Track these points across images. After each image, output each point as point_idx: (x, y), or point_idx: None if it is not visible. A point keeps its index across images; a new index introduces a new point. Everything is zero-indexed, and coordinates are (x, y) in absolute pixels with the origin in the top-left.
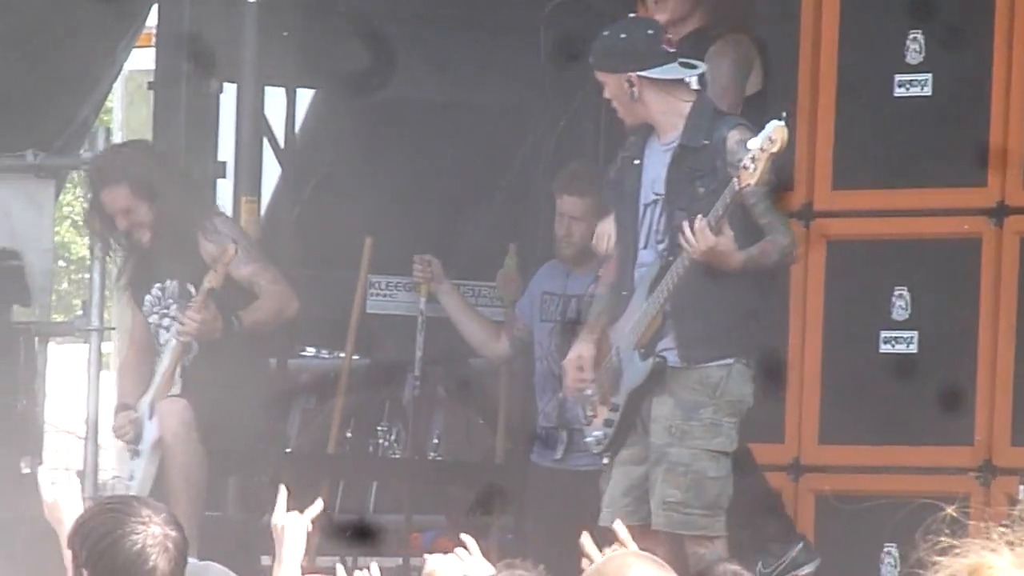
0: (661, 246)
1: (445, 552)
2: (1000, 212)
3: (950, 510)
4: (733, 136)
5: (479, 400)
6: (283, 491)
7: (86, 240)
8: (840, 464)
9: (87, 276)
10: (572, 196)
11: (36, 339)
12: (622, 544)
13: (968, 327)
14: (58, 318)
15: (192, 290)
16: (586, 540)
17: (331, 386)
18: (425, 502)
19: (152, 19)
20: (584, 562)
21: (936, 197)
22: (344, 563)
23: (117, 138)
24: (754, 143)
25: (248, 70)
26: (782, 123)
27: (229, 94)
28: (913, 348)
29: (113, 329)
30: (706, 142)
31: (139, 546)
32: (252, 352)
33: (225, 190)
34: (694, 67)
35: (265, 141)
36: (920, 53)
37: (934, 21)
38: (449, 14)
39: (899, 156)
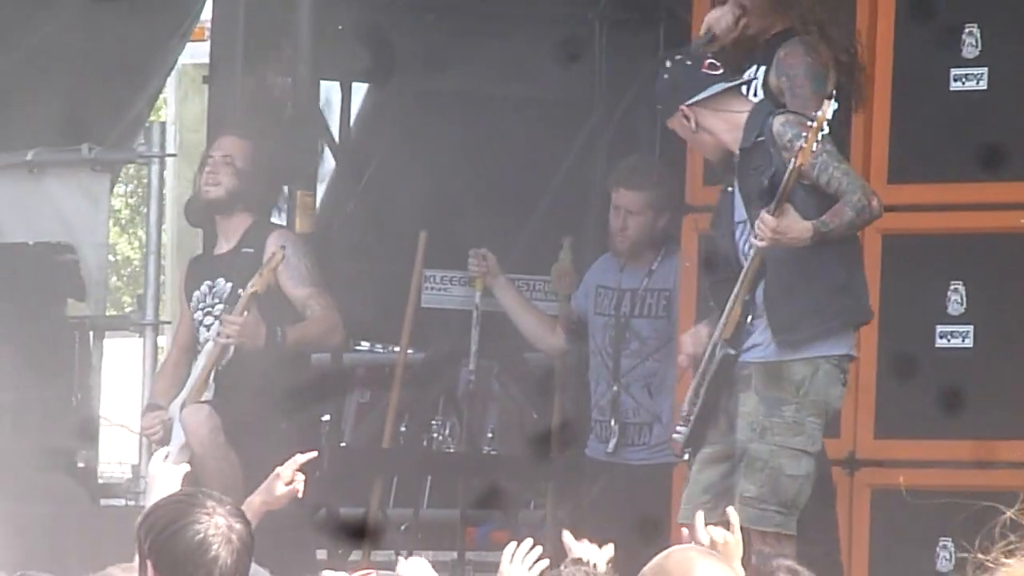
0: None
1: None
2: None
3: (1010, 513)
4: (778, 120)
5: (533, 394)
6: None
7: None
8: (896, 458)
9: (131, 272)
10: (630, 190)
11: (91, 333)
12: (731, 529)
13: None
14: (112, 313)
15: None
16: (699, 519)
17: (386, 380)
18: (479, 496)
19: (205, 13)
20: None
21: (992, 191)
22: (398, 557)
23: (171, 132)
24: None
25: (303, 64)
26: (829, 101)
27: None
28: (968, 343)
29: (168, 323)
30: (760, 139)
31: (201, 535)
32: (289, 356)
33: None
34: (740, 78)
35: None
36: (976, 47)
37: (990, 15)
38: (505, 8)
39: (955, 150)
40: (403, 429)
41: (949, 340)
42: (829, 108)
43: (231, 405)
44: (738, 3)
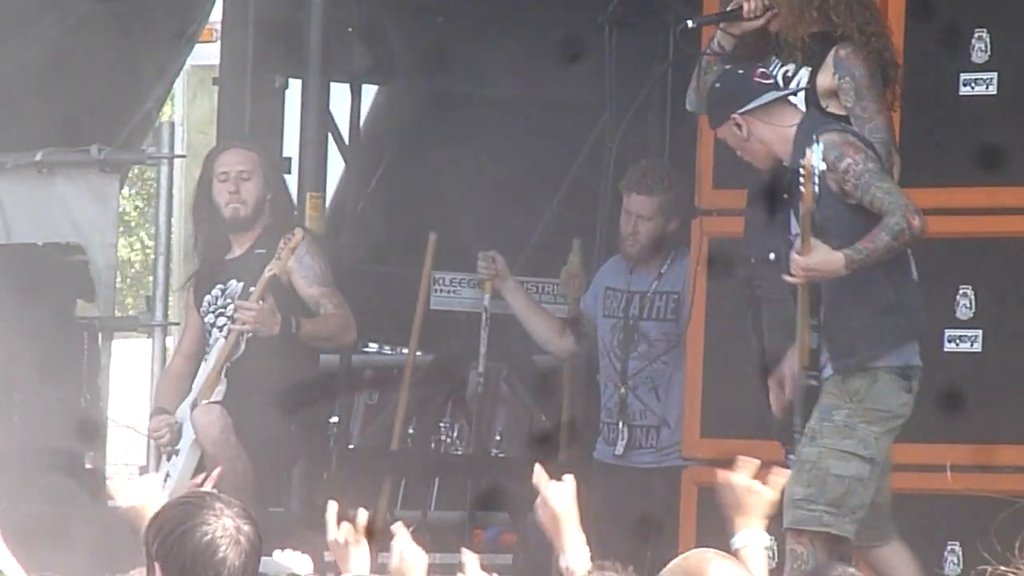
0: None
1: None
2: None
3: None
4: (820, 144)
5: (542, 396)
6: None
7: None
8: (905, 462)
9: (133, 274)
10: (641, 195)
11: (100, 334)
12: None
13: None
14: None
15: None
16: None
17: (394, 382)
18: (487, 498)
19: (215, 14)
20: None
21: (1001, 196)
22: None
23: (179, 133)
24: (802, 161)
25: (313, 65)
26: (816, 144)
27: (294, 89)
28: (977, 347)
29: (177, 324)
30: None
31: (209, 537)
32: (300, 354)
33: (290, 186)
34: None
35: (330, 136)
36: (986, 52)
37: (1000, 19)
38: (514, 10)
39: (963, 155)
40: (411, 431)
41: (958, 344)
42: (816, 155)
43: (242, 405)
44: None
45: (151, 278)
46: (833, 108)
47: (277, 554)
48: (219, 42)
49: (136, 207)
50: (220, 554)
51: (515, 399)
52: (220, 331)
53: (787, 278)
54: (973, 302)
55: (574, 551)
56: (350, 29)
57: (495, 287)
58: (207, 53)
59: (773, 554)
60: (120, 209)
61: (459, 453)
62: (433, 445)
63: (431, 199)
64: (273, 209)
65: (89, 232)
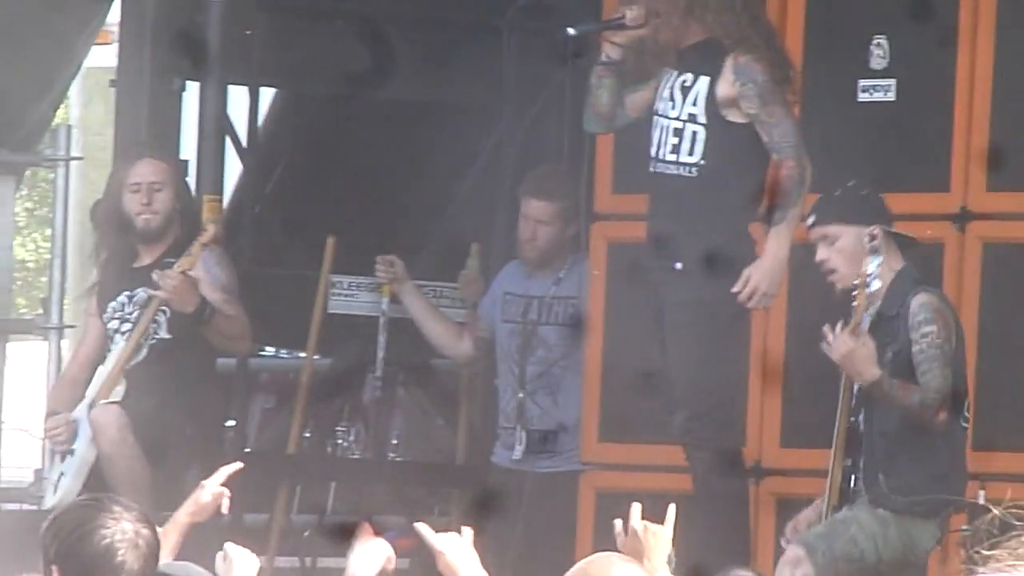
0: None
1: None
2: (963, 217)
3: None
4: (917, 300)
5: (440, 401)
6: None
7: (25, 241)
8: (800, 467)
9: (25, 276)
10: (540, 200)
11: None
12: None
13: None
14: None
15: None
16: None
17: (291, 386)
18: (384, 503)
19: (112, 16)
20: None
21: (899, 202)
22: (302, 564)
23: (75, 136)
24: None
25: (211, 68)
26: (875, 257)
27: (192, 92)
28: None
29: (73, 327)
30: (900, 311)
31: (108, 540)
32: (199, 357)
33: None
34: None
35: (227, 139)
36: (884, 58)
37: (898, 26)
38: (414, 14)
39: (863, 161)
40: (308, 435)
41: None
42: (872, 263)
43: (139, 406)
44: (651, 8)
45: (45, 280)
46: (733, 117)
47: (227, 545)
48: (116, 44)
49: (26, 208)
50: (119, 558)
51: (413, 404)
52: (123, 336)
53: (824, 345)
54: None
55: None
56: (248, 32)
57: (393, 291)
58: (104, 55)
59: None
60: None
61: (356, 457)
62: (330, 449)
63: (329, 202)
64: (183, 219)
65: None
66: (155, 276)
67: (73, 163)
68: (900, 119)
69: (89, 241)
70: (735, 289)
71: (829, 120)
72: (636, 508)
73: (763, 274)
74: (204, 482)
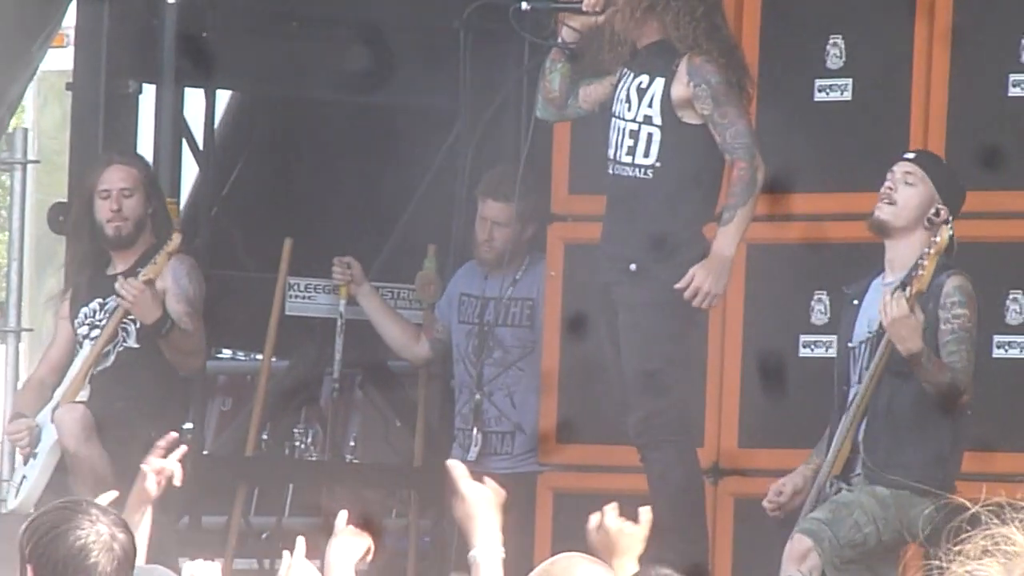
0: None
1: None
2: None
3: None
4: (952, 282)
5: (398, 403)
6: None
7: None
8: (759, 467)
9: None
10: (497, 201)
11: None
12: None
13: None
14: None
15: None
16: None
17: (249, 388)
18: (342, 505)
19: (67, 20)
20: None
21: (856, 201)
22: (260, 565)
23: (32, 139)
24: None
25: (167, 71)
26: (950, 227)
27: (148, 95)
28: (832, 352)
29: (30, 331)
30: (932, 290)
31: (82, 542)
32: (165, 365)
33: None
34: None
35: (184, 142)
36: (840, 58)
37: (855, 26)
38: (370, 16)
39: (819, 161)
40: (265, 437)
41: (812, 350)
42: (946, 232)
43: (104, 409)
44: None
45: (2, 284)
46: (688, 118)
47: (187, 565)
48: (71, 47)
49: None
50: (92, 559)
51: (370, 405)
52: (91, 342)
53: (880, 309)
54: (828, 308)
55: (483, 546)
56: (204, 35)
57: (350, 293)
58: (59, 58)
59: None
60: None
61: (313, 459)
62: (287, 451)
63: (286, 204)
64: (155, 224)
65: None
66: (117, 285)
67: (30, 167)
68: (856, 119)
69: (45, 244)
70: (678, 286)
71: (785, 120)
72: (613, 507)
73: (707, 273)
74: (142, 466)
